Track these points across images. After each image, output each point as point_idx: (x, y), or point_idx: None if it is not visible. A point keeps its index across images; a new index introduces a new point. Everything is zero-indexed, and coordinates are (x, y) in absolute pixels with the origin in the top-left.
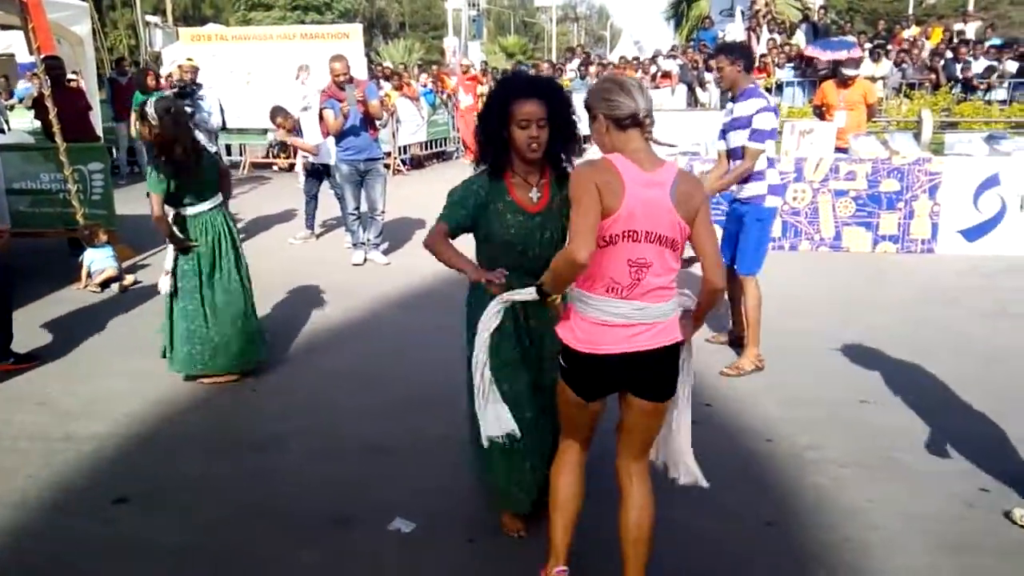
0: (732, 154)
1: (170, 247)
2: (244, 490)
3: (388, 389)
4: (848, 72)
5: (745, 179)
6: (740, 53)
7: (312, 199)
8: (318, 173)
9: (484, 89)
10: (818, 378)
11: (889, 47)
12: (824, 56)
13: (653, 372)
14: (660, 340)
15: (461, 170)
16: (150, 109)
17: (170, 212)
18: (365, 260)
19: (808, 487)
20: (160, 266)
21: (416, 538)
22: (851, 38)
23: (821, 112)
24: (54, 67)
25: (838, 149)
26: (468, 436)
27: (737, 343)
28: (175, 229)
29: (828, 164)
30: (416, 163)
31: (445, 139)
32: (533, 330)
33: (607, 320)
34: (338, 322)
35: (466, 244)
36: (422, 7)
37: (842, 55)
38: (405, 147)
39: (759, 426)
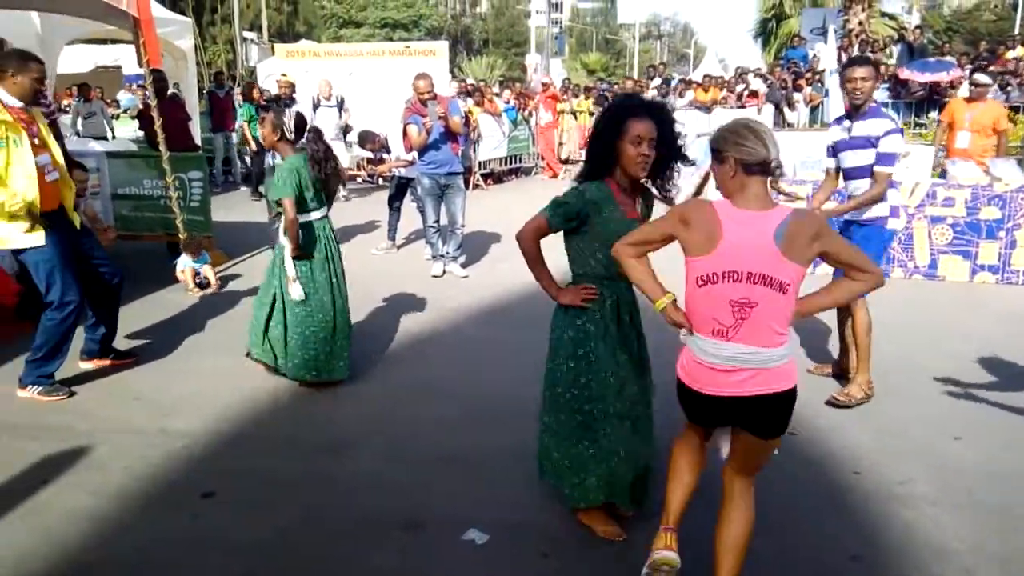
0: (846, 174)
1: (286, 254)
2: (319, 491)
3: (463, 401)
4: (981, 79)
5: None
6: (876, 68)
7: (395, 211)
8: (403, 186)
9: (564, 106)
10: (909, 410)
11: (992, 68)
12: (921, 78)
13: (760, 416)
14: (769, 387)
15: (540, 185)
16: (288, 121)
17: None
18: (444, 272)
19: (896, 523)
20: (251, 271)
21: (490, 549)
22: (951, 59)
23: (950, 130)
24: (158, 80)
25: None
26: (538, 449)
27: (843, 376)
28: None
29: (924, 189)
30: (496, 178)
31: (524, 155)
32: (630, 329)
33: (710, 363)
34: (416, 332)
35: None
36: (506, 24)
37: (941, 77)
38: (485, 162)
39: (847, 457)
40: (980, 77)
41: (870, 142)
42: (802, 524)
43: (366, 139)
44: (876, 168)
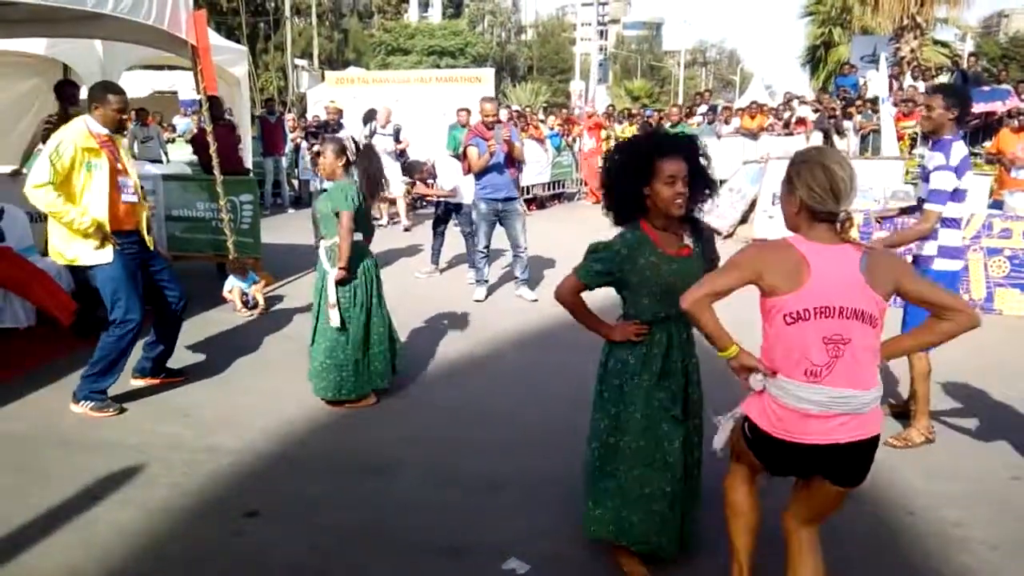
0: (920, 203)
1: (331, 280)
2: (361, 512)
3: (505, 426)
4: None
5: (928, 236)
6: (958, 100)
7: (439, 235)
8: (449, 211)
9: (607, 132)
10: (965, 450)
11: None
12: (976, 108)
13: (847, 462)
14: (861, 432)
15: (584, 211)
16: (350, 144)
17: (328, 242)
18: (486, 297)
19: (955, 567)
20: (297, 292)
21: None
22: (1007, 86)
23: (999, 161)
24: (214, 106)
25: (995, 203)
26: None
27: (904, 415)
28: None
29: (980, 221)
30: (539, 204)
31: (567, 180)
32: (679, 371)
33: (806, 409)
34: (458, 356)
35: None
36: (550, 51)
37: (996, 106)
38: (528, 187)
39: (900, 499)
40: (1023, 106)
41: (928, 176)
42: (855, 569)
43: (414, 169)
44: (926, 205)
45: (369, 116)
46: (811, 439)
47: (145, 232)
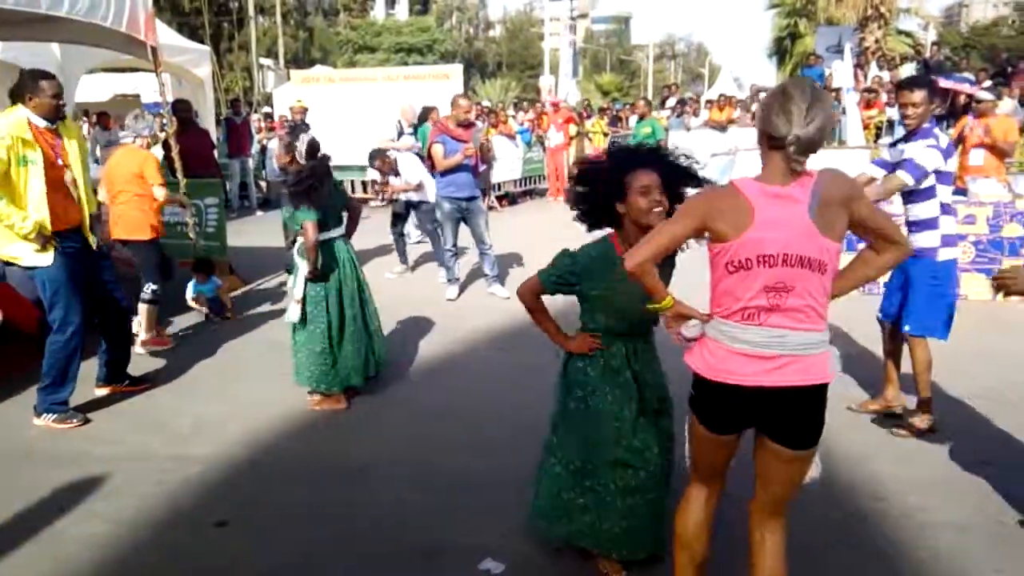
0: (905, 198)
1: (301, 275)
2: (336, 518)
3: (479, 426)
4: (985, 96)
5: (914, 228)
6: (933, 90)
7: (399, 236)
8: (407, 209)
9: (575, 129)
10: (934, 436)
11: (1012, 84)
12: (945, 84)
13: (794, 414)
14: (805, 378)
15: (554, 207)
16: (300, 146)
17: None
18: (459, 296)
19: (923, 552)
20: (266, 295)
21: None
22: (968, 75)
23: (963, 146)
24: (182, 109)
25: (957, 190)
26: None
27: (892, 416)
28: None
29: None
30: (510, 200)
31: (540, 176)
32: (640, 381)
33: (743, 350)
34: (433, 356)
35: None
36: (519, 47)
37: (964, 87)
38: (499, 184)
39: (870, 485)
40: (982, 94)
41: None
42: (827, 551)
43: (375, 157)
44: (897, 171)
45: (423, 116)
46: (750, 380)
47: (88, 231)
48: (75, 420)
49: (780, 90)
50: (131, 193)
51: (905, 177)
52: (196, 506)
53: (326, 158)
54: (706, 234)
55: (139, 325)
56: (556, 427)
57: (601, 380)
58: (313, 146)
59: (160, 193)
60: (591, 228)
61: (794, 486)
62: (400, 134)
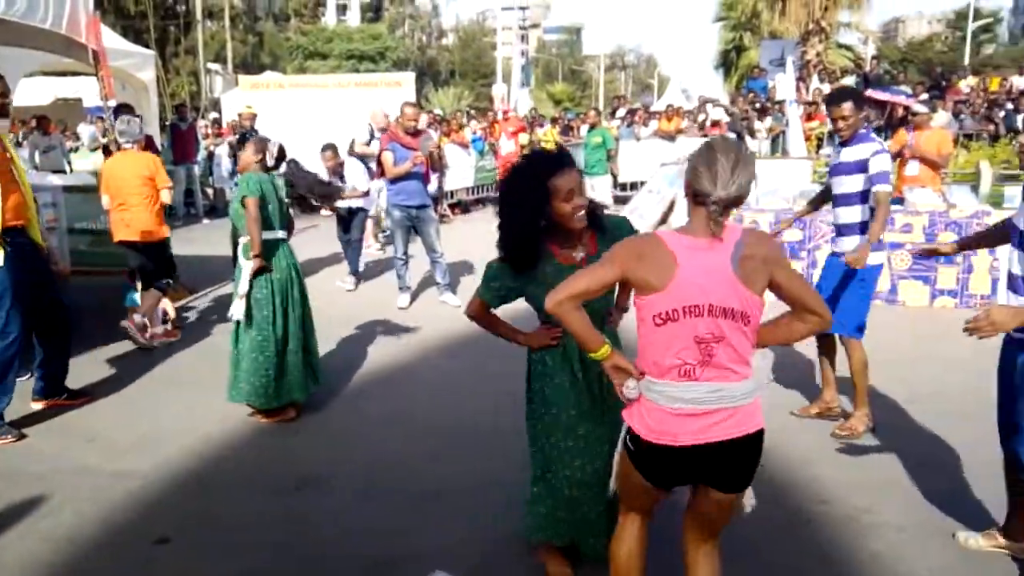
0: (834, 201)
1: (245, 272)
2: (283, 532)
3: (431, 434)
4: (918, 108)
5: (844, 231)
6: (859, 98)
7: (347, 244)
8: (345, 220)
9: (526, 138)
10: (874, 440)
11: (946, 98)
12: (881, 96)
13: (732, 463)
14: (742, 428)
15: None
16: (272, 147)
17: (245, 238)
18: (410, 304)
19: (864, 553)
20: (211, 306)
21: None
22: (905, 88)
23: (901, 158)
24: (125, 113)
25: (895, 199)
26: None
27: (831, 418)
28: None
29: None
30: (463, 208)
31: (492, 185)
32: (591, 382)
33: (682, 409)
34: (382, 365)
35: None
36: (472, 56)
37: (900, 99)
38: (452, 192)
39: (813, 488)
40: (918, 107)
41: (859, 167)
42: (770, 556)
43: (326, 149)
44: (874, 188)
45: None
46: (691, 440)
47: (37, 234)
48: (10, 436)
49: (707, 148)
50: (142, 196)
51: (886, 188)
52: (136, 523)
53: (296, 162)
54: (632, 291)
55: (141, 318)
56: (527, 416)
57: (558, 368)
58: (282, 152)
59: (167, 196)
60: (519, 269)
61: (728, 518)
62: (372, 138)
